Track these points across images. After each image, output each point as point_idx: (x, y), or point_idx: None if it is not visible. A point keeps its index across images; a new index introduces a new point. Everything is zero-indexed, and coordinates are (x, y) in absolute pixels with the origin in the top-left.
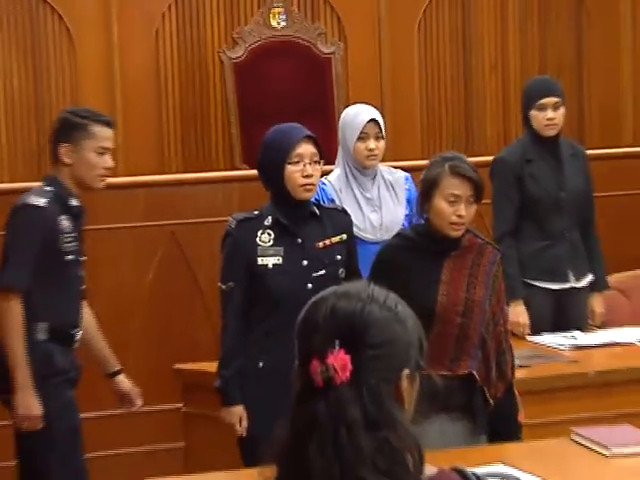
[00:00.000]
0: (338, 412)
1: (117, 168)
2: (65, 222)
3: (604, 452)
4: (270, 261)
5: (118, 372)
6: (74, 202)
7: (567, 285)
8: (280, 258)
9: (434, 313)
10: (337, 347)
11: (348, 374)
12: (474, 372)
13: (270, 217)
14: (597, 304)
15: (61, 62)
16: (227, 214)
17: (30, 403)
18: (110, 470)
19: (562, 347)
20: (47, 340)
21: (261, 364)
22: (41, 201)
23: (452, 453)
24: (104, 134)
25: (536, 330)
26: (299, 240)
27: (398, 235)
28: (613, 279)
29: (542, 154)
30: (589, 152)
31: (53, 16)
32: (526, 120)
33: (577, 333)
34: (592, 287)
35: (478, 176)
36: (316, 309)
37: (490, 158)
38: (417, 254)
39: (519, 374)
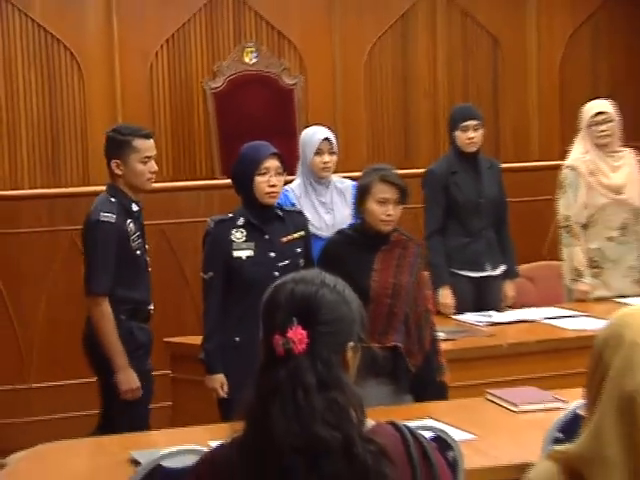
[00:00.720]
0: (296, 378)
1: None
2: (131, 225)
3: (513, 408)
4: (244, 254)
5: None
6: (135, 207)
7: (485, 274)
8: (252, 251)
9: (368, 295)
10: (295, 323)
11: (305, 346)
12: (399, 344)
13: (242, 218)
14: (509, 289)
15: (72, 90)
16: (208, 215)
17: (130, 379)
18: None
19: (480, 324)
20: (128, 319)
21: (237, 339)
22: (112, 217)
23: (387, 410)
24: (145, 146)
25: (460, 310)
26: (267, 236)
27: (339, 232)
28: (522, 269)
29: (464, 167)
30: (503, 165)
31: (66, 53)
32: (452, 139)
33: (493, 313)
34: (505, 275)
35: (402, 182)
36: (278, 292)
37: (423, 170)
38: (354, 247)
39: (446, 345)
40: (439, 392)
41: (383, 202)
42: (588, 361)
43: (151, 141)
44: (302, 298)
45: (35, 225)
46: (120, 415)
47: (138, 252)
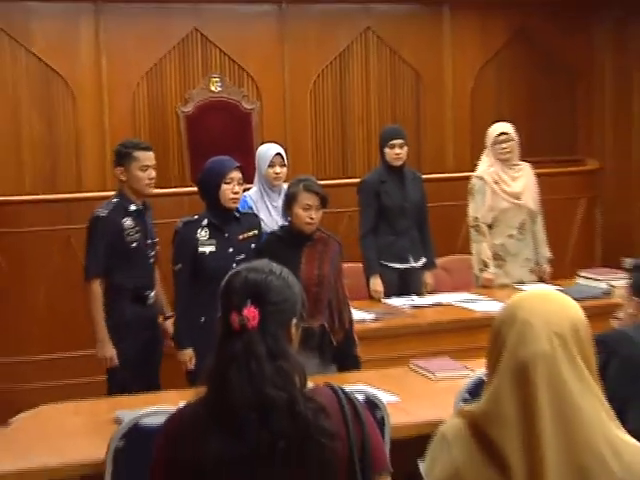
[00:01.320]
0: (250, 348)
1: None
2: (128, 222)
3: (431, 376)
4: (207, 249)
5: (168, 317)
6: (133, 207)
7: (408, 265)
8: (214, 247)
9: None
10: (249, 304)
11: (256, 322)
12: (324, 324)
13: (206, 220)
14: (428, 278)
15: (67, 114)
16: (179, 217)
17: (105, 350)
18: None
19: (404, 306)
20: (124, 300)
21: (202, 319)
22: (104, 212)
23: (325, 378)
24: (144, 156)
25: (387, 295)
26: (226, 235)
27: (271, 233)
28: (439, 261)
29: (392, 177)
30: (424, 176)
31: (61, 83)
32: (382, 154)
33: (415, 297)
34: (425, 266)
35: (323, 191)
36: (234, 279)
37: (358, 180)
38: (284, 245)
39: (376, 324)
40: (355, 362)
41: (307, 208)
42: (489, 336)
43: (150, 153)
44: (254, 283)
45: (36, 225)
46: (109, 379)
47: (134, 244)
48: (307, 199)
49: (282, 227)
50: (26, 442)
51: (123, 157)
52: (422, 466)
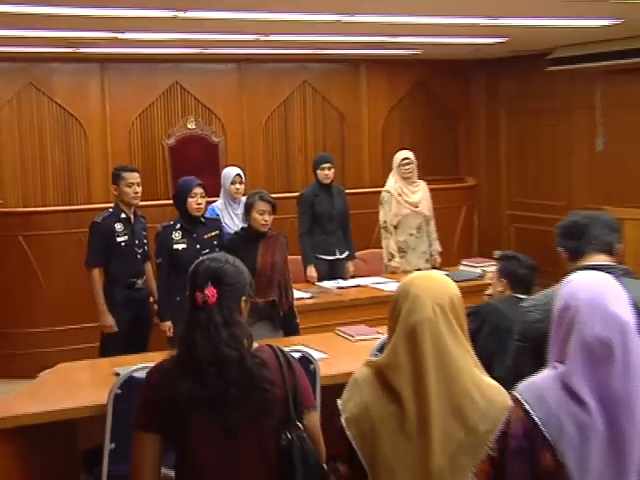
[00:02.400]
0: (210, 318)
1: (109, 198)
2: (118, 226)
3: (351, 338)
4: (180, 246)
5: (156, 301)
6: (123, 215)
7: (335, 257)
8: (185, 245)
9: (255, 270)
10: (209, 285)
11: (215, 299)
12: (275, 299)
13: (179, 224)
14: (350, 266)
15: (79, 145)
16: (161, 221)
17: (105, 320)
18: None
19: (333, 287)
20: (115, 285)
21: (178, 298)
22: (99, 218)
23: (274, 341)
24: (130, 176)
25: (320, 279)
26: (194, 235)
27: (235, 233)
28: (358, 254)
29: (323, 192)
30: (347, 190)
31: (76, 122)
32: (315, 175)
33: (340, 281)
34: (347, 258)
35: (273, 200)
36: (198, 266)
37: (297, 193)
38: (245, 241)
39: (312, 301)
40: (296, 329)
41: (262, 213)
42: (389, 307)
43: (134, 173)
44: (213, 270)
45: (56, 228)
46: (102, 345)
47: (122, 243)
48: (262, 206)
49: (243, 228)
50: (49, 391)
51: (115, 177)
52: (339, 403)
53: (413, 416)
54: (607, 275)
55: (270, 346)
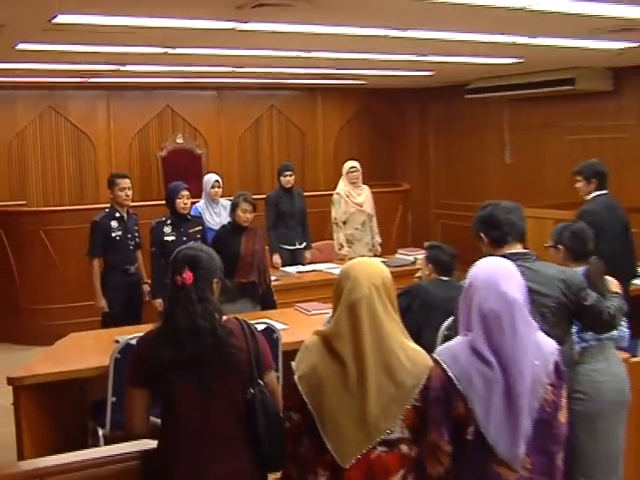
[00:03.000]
0: (187, 296)
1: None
2: (113, 223)
3: (308, 313)
4: (169, 238)
5: (145, 282)
6: (117, 214)
7: (295, 247)
8: (174, 237)
9: (239, 256)
10: (187, 269)
11: (191, 281)
12: (255, 280)
13: (169, 220)
14: (307, 255)
15: (89, 158)
16: (155, 218)
17: (99, 302)
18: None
19: (293, 272)
20: (113, 271)
21: (167, 280)
22: (98, 217)
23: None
24: (122, 181)
25: (283, 265)
26: (181, 230)
27: (223, 226)
28: (314, 244)
29: (285, 194)
30: (305, 193)
31: (87, 139)
32: (279, 180)
33: (300, 266)
34: (305, 248)
35: (254, 201)
36: (178, 254)
37: (265, 195)
38: (231, 233)
39: (278, 282)
40: (273, 304)
41: (245, 211)
42: (334, 286)
43: (126, 179)
44: (190, 257)
45: (70, 224)
46: (102, 319)
47: (117, 238)
48: (245, 206)
49: (229, 222)
50: (63, 355)
51: (110, 183)
52: (293, 364)
53: (353, 374)
54: (504, 260)
55: (237, 318)
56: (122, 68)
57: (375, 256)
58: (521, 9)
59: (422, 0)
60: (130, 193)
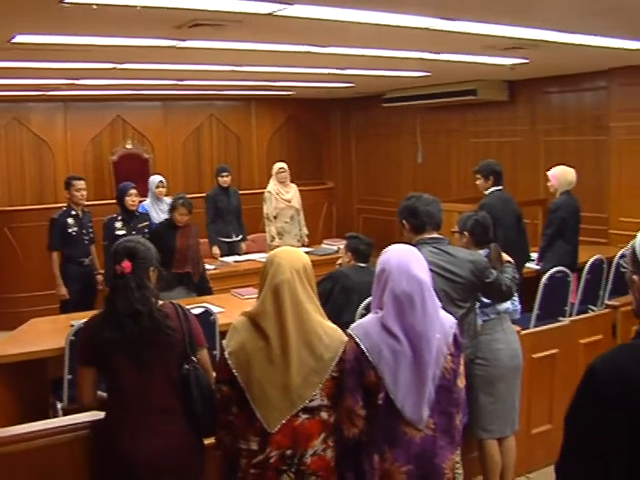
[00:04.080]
0: (126, 284)
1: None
2: (70, 220)
3: (242, 298)
4: (121, 232)
5: (99, 273)
6: (73, 212)
7: (232, 239)
8: (125, 231)
9: (176, 250)
10: (125, 259)
11: (129, 270)
12: (190, 270)
13: (120, 216)
14: (243, 246)
15: (49, 163)
16: (108, 214)
17: (59, 290)
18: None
19: (231, 261)
20: (69, 264)
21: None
22: (56, 215)
23: (185, 301)
24: (77, 183)
25: (222, 256)
26: (131, 225)
27: (160, 223)
28: (249, 237)
29: (223, 192)
30: (241, 191)
31: (46, 146)
32: (217, 180)
33: (236, 256)
34: (241, 240)
35: (191, 204)
36: (118, 246)
37: (205, 194)
38: (168, 229)
39: (216, 271)
40: (209, 291)
41: (181, 214)
42: (260, 271)
43: (81, 181)
44: (129, 248)
45: (32, 222)
46: (61, 306)
47: (73, 233)
48: (182, 210)
49: (167, 219)
50: (25, 338)
51: (67, 185)
52: (224, 342)
53: (277, 349)
54: (411, 247)
55: (172, 303)
56: (77, 82)
57: (303, 246)
58: (425, 29)
59: (330, 21)
60: (85, 193)
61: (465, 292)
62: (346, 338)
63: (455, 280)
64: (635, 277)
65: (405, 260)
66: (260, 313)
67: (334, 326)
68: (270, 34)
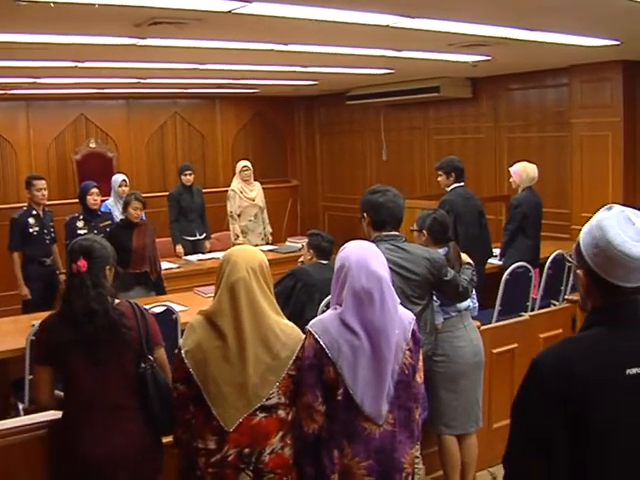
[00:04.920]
0: (82, 282)
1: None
2: (30, 220)
3: (204, 295)
4: (82, 232)
5: (61, 273)
6: (34, 212)
7: (196, 238)
8: (86, 230)
9: (132, 249)
10: (82, 258)
11: (85, 268)
12: (147, 270)
13: (81, 216)
14: (207, 244)
15: (11, 162)
16: (69, 214)
17: (22, 290)
18: None
19: (194, 260)
20: (30, 264)
21: None
22: (17, 215)
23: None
24: (37, 183)
25: (186, 254)
26: (92, 224)
27: (116, 223)
28: (213, 235)
29: (186, 191)
30: (204, 190)
31: (9, 145)
32: (180, 179)
33: (200, 255)
34: (205, 238)
35: (144, 200)
36: (74, 245)
37: (168, 192)
38: (124, 229)
39: (179, 270)
40: (164, 290)
41: (135, 209)
42: (217, 269)
43: (42, 181)
44: (85, 246)
45: None
46: (23, 306)
47: (34, 233)
48: (136, 204)
49: (122, 219)
50: None
51: (27, 184)
52: (180, 341)
53: (233, 347)
54: (369, 243)
55: (128, 301)
56: (38, 80)
57: (267, 244)
58: (385, 26)
59: (290, 18)
60: (46, 193)
61: (421, 289)
62: (303, 336)
63: (410, 277)
64: (579, 271)
65: (364, 256)
66: (216, 311)
67: (291, 324)
68: (231, 32)
